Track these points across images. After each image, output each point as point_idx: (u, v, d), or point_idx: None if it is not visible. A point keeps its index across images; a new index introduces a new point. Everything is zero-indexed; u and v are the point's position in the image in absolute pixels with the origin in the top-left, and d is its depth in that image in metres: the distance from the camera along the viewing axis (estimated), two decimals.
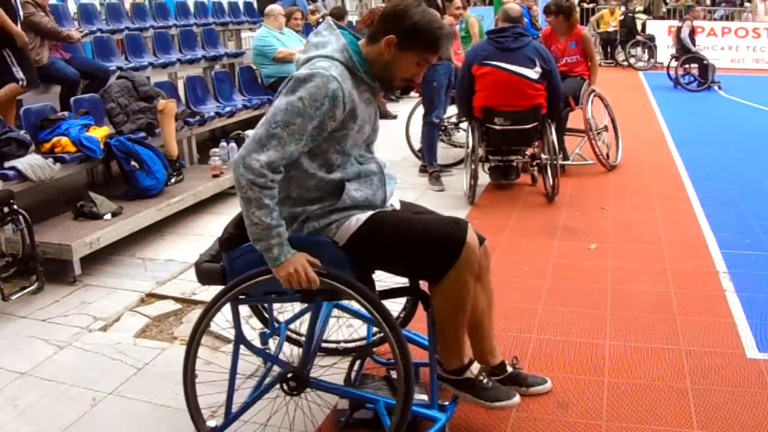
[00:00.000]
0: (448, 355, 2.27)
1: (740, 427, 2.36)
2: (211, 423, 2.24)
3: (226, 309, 2.19)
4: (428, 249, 2.09)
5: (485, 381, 2.30)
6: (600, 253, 4.04)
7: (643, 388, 2.61)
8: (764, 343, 2.93)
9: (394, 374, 2.41)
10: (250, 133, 5.99)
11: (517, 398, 2.32)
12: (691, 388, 2.60)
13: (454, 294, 2.13)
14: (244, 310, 3.22)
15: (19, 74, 4.78)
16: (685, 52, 10.80)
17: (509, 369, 2.50)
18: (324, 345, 2.72)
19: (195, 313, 3.37)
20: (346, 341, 2.86)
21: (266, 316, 2.54)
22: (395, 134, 6.55)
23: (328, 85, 1.95)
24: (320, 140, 2.04)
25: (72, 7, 7.84)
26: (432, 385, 2.25)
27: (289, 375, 2.17)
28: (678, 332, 3.04)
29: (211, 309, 2.17)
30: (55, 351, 3.02)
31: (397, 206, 2.36)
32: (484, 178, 5.26)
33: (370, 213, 2.15)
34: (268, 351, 2.34)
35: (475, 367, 2.32)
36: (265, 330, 2.51)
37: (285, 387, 2.19)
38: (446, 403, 2.30)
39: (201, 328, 2.20)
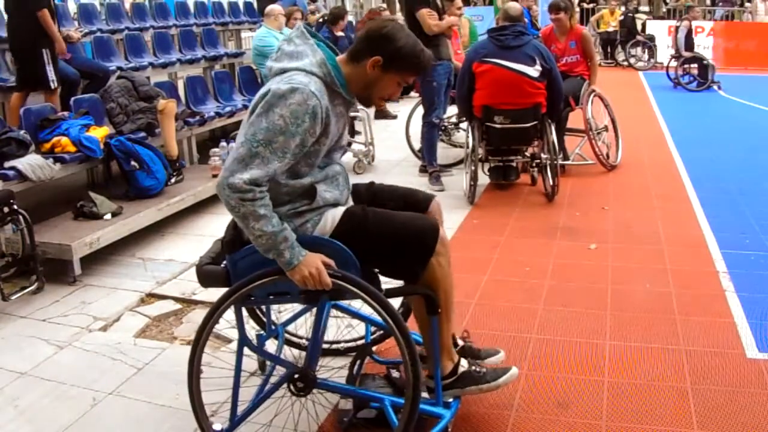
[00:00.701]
0: (441, 358, 2.27)
1: (740, 427, 2.36)
2: (217, 426, 2.23)
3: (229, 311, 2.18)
4: (409, 241, 2.13)
5: (478, 369, 2.34)
6: (600, 253, 4.04)
7: (643, 388, 2.61)
8: (764, 343, 2.93)
9: (394, 373, 2.42)
10: None
11: (514, 369, 2.37)
12: (691, 388, 2.60)
13: (440, 282, 2.17)
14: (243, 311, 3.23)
15: (52, 74, 4.96)
16: (687, 51, 10.81)
17: (459, 342, 2.48)
18: (323, 345, 2.72)
19: (195, 313, 3.38)
20: (345, 341, 2.87)
21: (263, 318, 2.54)
22: (395, 134, 6.56)
23: (308, 101, 1.95)
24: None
25: (72, 7, 7.84)
26: (436, 382, 2.25)
27: (296, 375, 2.17)
28: (678, 332, 3.04)
29: (216, 310, 2.15)
30: (55, 351, 3.02)
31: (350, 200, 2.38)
32: (484, 178, 5.26)
33: (342, 210, 2.18)
34: (270, 352, 2.34)
35: (464, 359, 2.35)
36: (262, 332, 2.51)
37: (292, 388, 2.19)
38: (450, 400, 2.31)
39: (207, 329, 2.18)
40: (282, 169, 2.00)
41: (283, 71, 2.05)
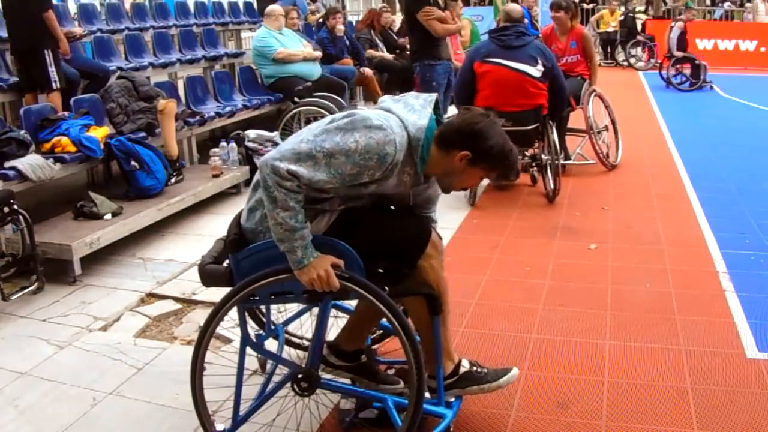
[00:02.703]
0: (443, 358, 2.27)
1: (740, 427, 2.36)
2: (219, 426, 2.23)
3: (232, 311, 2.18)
4: (400, 241, 2.15)
5: (478, 369, 2.35)
6: (600, 253, 4.04)
7: (643, 388, 2.61)
8: (764, 343, 2.93)
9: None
10: (251, 133, 5.94)
11: (515, 370, 2.38)
12: (691, 388, 2.60)
13: (433, 284, 2.17)
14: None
15: (54, 75, 4.98)
16: (679, 51, 10.83)
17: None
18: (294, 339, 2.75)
19: (195, 313, 3.38)
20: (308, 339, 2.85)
21: (263, 318, 2.53)
22: None
23: (386, 146, 1.95)
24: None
25: (72, 7, 7.84)
26: (438, 382, 2.25)
27: (300, 375, 2.18)
28: (678, 332, 3.04)
29: (220, 310, 2.15)
30: (55, 351, 3.02)
31: None
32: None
33: (338, 210, 2.17)
34: (273, 352, 2.34)
35: (465, 359, 2.36)
36: (261, 332, 2.51)
37: (296, 387, 2.19)
38: (452, 399, 2.31)
39: (210, 329, 2.17)
40: (324, 186, 1.99)
41: (389, 110, 2.07)
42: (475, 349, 2.92)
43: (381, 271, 2.19)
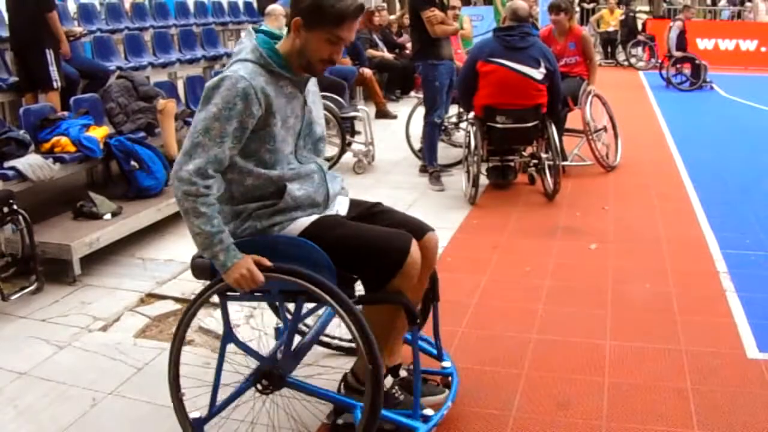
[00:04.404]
0: (385, 352, 2.22)
1: (741, 427, 2.36)
2: (195, 414, 2.26)
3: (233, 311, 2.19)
4: (370, 259, 2.07)
5: (397, 394, 2.26)
6: (600, 253, 4.03)
7: (643, 389, 2.60)
8: (765, 343, 2.93)
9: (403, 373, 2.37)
10: None
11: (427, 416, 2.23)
12: (691, 388, 2.60)
13: (407, 293, 2.11)
14: (246, 309, 3.23)
15: (55, 74, 5.01)
16: (678, 51, 10.83)
17: (402, 373, 2.36)
18: (324, 338, 2.74)
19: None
20: (341, 339, 2.84)
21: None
22: (395, 134, 6.55)
23: (237, 85, 1.98)
24: (248, 141, 2.05)
25: (72, 7, 7.84)
26: (415, 392, 2.19)
27: (264, 372, 2.16)
28: (678, 332, 3.03)
29: (195, 303, 2.21)
30: (55, 351, 3.02)
31: (343, 211, 2.30)
32: (483, 178, 5.25)
33: (314, 217, 2.15)
34: (250, 347, 2.30)
35: (388, 379, 2.25)
36: (280, 325, 2.51)
37: (259, 386, 2.18)
38: (430, 413, 2.24)
39: (185, 320, 2.23)
40: (224, 156, 2.00)
41: (231, 66, 2.09)
42: (475, 349, 2.91)
43: (354, 277, 2.14)
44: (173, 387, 2.26)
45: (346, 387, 2.33)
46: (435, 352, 2.57)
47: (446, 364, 2.53)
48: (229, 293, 2.18)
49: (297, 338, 2.78)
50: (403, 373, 2.36)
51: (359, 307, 2.12)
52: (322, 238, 2.09)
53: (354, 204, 2.37)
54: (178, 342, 2.26)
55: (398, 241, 2.09)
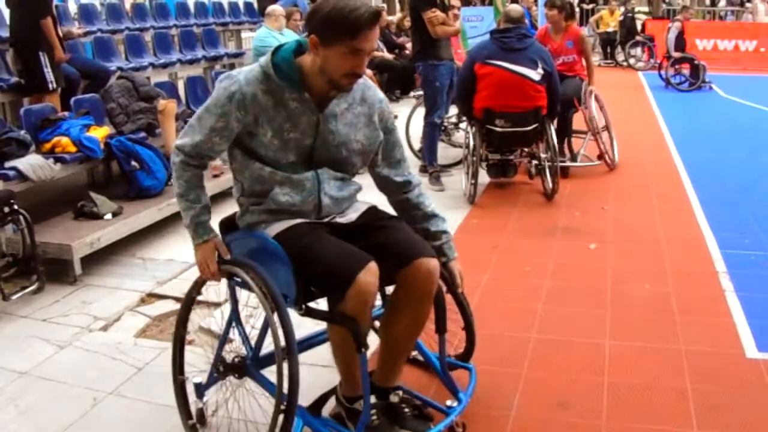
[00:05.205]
0: (342, 378, 2.20)
1: (740, 427, 2.37)
2: (196, 379, 2.36)
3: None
4: (322, 276, 2.01)
5: (374, 418, 2.13)
6: (600, 253, 4.04)
7: (643, 388, 2.61)
8: (764, 343, 2.93)
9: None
10: None
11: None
12: (690, 388, 2.60)
13: (357, 318, 1.97)
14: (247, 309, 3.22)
15: (50, 76, 5.00)
16: (677, 51, 10.84)
17: (392, 399, 2.24)
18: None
19: (195, 313, 3.35)
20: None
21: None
22: None
23: (230, 87, 2.05)
24: (242, 139, 2.11)
25: (72, 8, 7.85)
26: (364, 411, 2.06)
27: (232, 360, 2.26)
28: (677, 332, 3.04)
29: (197, 283, 2.32)
30: (56, 351, 3.02)
31: (349, 219, 2.22)
32: (483, 178, 5.26)
33: (292, 222, 2.12)
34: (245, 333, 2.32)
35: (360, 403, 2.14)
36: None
37: (219, 369, 2.29)
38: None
39: (190, 295, 2.35)
40: (206, 145, 2.11)
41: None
42: (475, 349, 2.91)
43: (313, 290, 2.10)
44: (175, 369, 2.40)
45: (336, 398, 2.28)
46: (449, 384, 2.42)
47: (450, 402, 2.31)
48: (234, 278, 2.22)
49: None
50: (394, 398, 2.23)
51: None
52: (289, 244, 2.06)
53: (370, 213, 2.27)
54: (180, 321, 2.39)
55: (346, 267, 1.95)
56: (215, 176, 5.08)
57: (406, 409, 2.21)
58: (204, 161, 2.18)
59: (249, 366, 2.24)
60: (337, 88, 2.07)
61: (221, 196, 5.10)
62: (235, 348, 2.35)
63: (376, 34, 2.01)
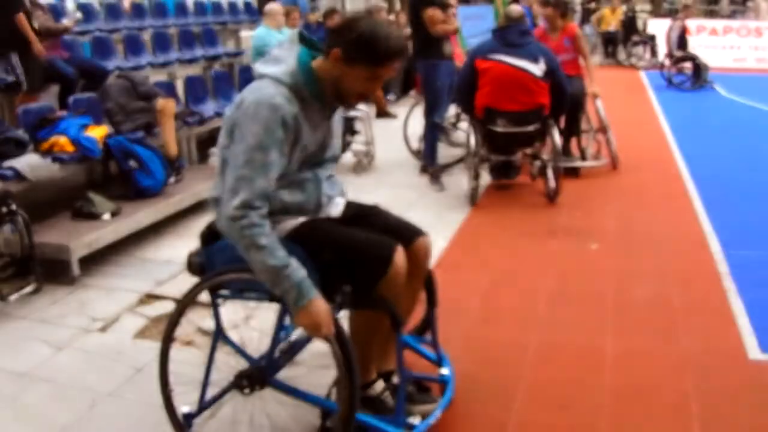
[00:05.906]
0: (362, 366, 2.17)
1: (742, 428, 2.36)
2: (185, 408, 2.27)
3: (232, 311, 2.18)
4: (353, 265, 2.02)
5: (388, 400, 2.22)
6: (601, 253, 4.02)
7: (644, 389, 2.59)
8: (766, 344, 2.92)
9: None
10: None
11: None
12: (692, 389, 2.59)
13: (392, 300, 2.06)
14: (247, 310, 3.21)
15: (22, 77, 4.87)
16: (679, 50, 10.83)
17: (394, 380, 2.30)
18: None
19: (194, 314, 3.36)
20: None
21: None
22: (395, 134, 6.53)
23: (277, 112, 1.92)
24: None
25: (71, 7, 7.83)
26: (399, 398, 2.14)
27: (248, 373, 2.16)
28: (679, 333, 3.02)
29: (185, 299, 2.22)
30: (54, 352, 3.01)
31: (337, 213, 2.25)
32: (484, 178, 5.24)
33: (301, 220, 2.11)
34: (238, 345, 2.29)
35: (379, 384, 2.24)
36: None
37: (242, 384, 2.17)
38: (416, 422, 2.20)
39: (175, 316, 2.26)
40: (269, 185, 1.94)
41: (261, 77, 2.03)
42: (476, 349, 2.90)
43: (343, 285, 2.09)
44: (162, 381, 2.30)
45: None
46: (435, 357, 2.53)
47: (444, 371, 2.47)
48: (220, 291, 2.18)
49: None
50: (396, 380, 2.30)
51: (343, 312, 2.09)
52: (306, 241, 2.05)
53: (350, 206, 2.32)
54: (166, 339, 2.28)
55: (381, 249, 2.02)
56: None
57: (409, 387, 2.30)
58: (267, 203, 1.97)
59: (268, 375, 2.17)
60: (340, 102, 2.10)
61: None
62: (226, 361, 2.30)
63: (399, 64, 2.04)
